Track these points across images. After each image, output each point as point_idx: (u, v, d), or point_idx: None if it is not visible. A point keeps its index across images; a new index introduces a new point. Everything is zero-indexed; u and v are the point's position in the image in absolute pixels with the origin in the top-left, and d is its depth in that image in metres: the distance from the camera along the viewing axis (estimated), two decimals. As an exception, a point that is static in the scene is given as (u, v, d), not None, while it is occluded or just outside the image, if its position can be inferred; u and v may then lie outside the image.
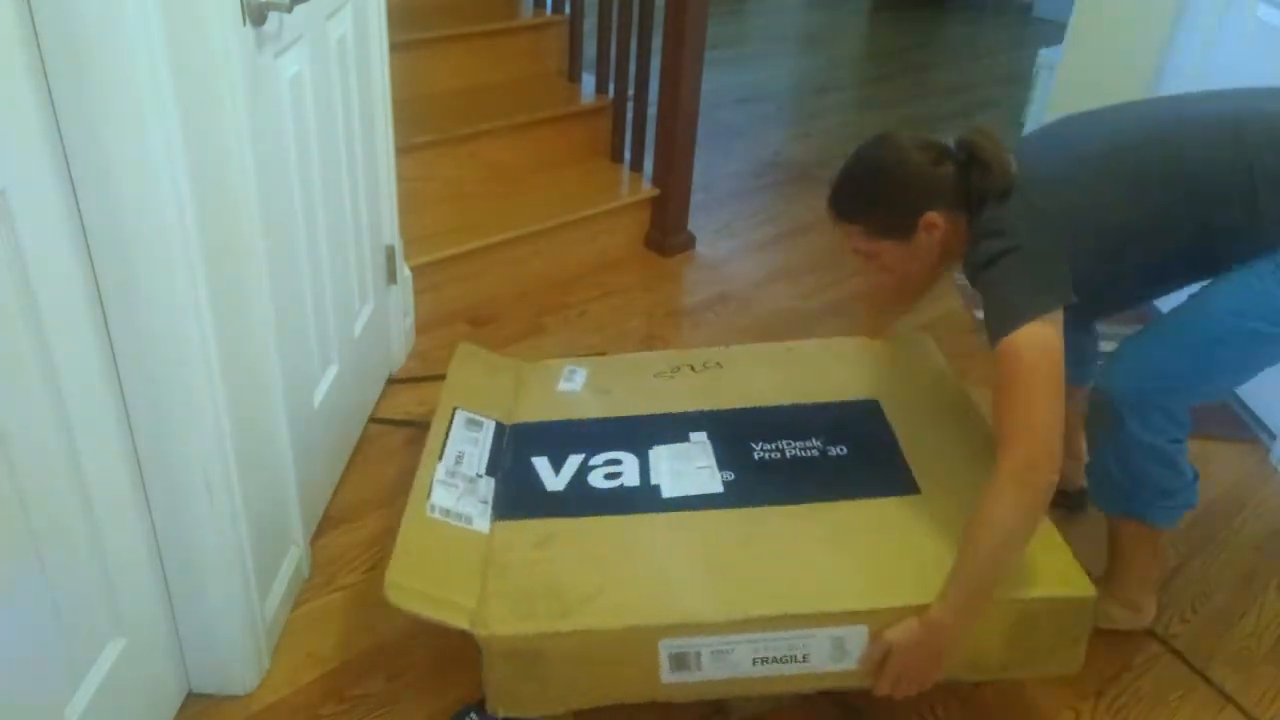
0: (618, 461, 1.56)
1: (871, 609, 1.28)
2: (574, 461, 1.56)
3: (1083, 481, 1.71)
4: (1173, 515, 1.55)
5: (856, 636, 1.29)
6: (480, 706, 1.40)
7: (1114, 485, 1.52)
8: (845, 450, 1.57)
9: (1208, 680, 1.57)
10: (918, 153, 1.41)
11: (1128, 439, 1.45)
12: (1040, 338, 1.28)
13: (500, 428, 1.65)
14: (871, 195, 1.44)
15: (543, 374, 1.83)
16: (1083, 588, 1.31)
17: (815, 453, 1.57)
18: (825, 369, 1.80)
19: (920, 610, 1.26)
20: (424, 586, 1.29)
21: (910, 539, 1.39)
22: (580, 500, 1.48)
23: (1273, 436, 2.15)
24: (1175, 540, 1.87)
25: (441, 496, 1.44)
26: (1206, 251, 1.39)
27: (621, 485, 1.51)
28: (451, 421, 1.61)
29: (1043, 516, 1.31)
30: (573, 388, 1.77)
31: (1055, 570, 1.33)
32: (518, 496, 1.50)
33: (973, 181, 1.38)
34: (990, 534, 1.25)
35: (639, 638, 1.26)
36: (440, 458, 1.52)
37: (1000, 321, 1.30)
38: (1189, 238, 1.38)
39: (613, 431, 1.64)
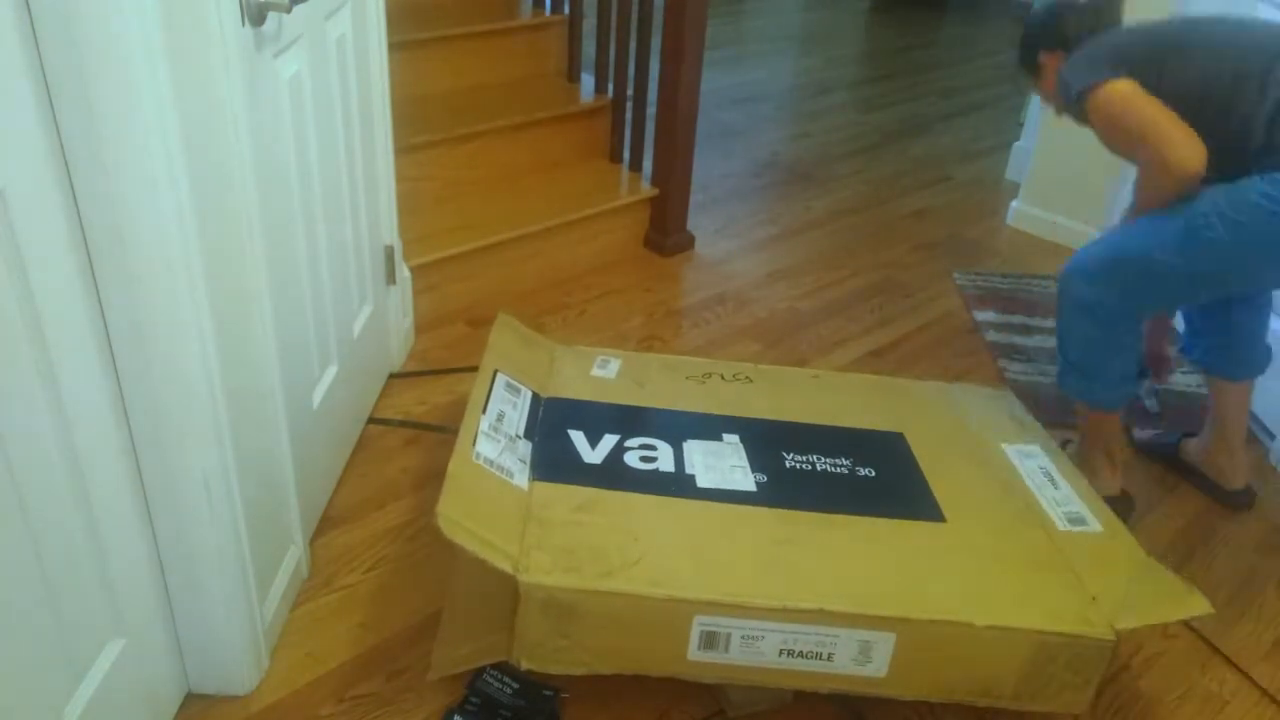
0: (652, 447, 1.59)
1: (904, 617, 1.30)
2: (610, 440, 1.60)
3: (1241, 482, 1.93)
4: (1085, 394, 1.80)
5: (883, 643, 1.30)
6: (463, 707, 1.40)
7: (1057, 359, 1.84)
8: (873, 472, 1.60)
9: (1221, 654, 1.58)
10: (1044, 12, 1.78)
11: (1059, 306, 1.78)
12: (1109, 90, 1.60)
13: (536, 398, 1.68)
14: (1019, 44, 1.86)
15: (576, 357, 1.87)
16: (1102, 631, 1.33)
17: (844, 470, 1.60)
18: (851, 398, 1.84)
19: (950, 625, 1.30)
20: (470, 524, 1.31)
21: (940, 559, 1.43)
22: (617, 475, 1.51)
23: (1272, 436, 2.15)
24: (1175, 540, 1.87)
25: (485, 446, 1.47)
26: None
27: (657, 469, 1.54)
28: (493, 382, 1.63)
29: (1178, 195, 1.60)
30: (606, 375, 1.81)
31: (1077, 610, 1.35)
32: (555, 462, 1.52)
33: (1070, 25, 1.73)
34: (1140, 195, 1.68)
35: (677, 610, 1.29)
36: (484, 411, 1.54)
37: (1074, 96, 1.66)
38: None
39: (647, 420, 1.68)
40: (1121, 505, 1.90)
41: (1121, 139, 1.63)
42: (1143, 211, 1.67)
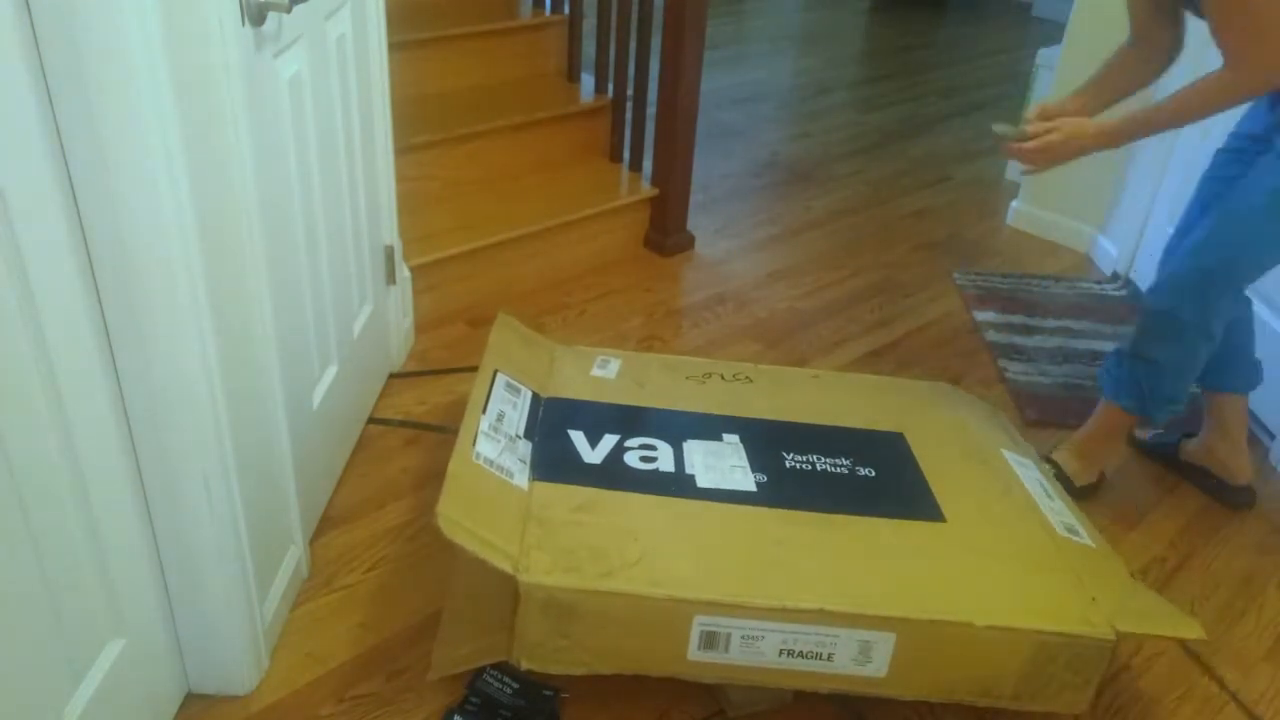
0: (652, 447, 1.60)
1: (904, 618, 1.30)
2: (610, 440, 1.60)
3: (1245, 478, 1.94)
4: (1140, 405, 1.81)
5: (883, 643, 1.30)
6: (463, 707, 1.40)
7: (1111, 369, 1.85)
8: (874, 472, 1.60)
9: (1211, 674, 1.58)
10: None
11: (1157, 325, 1.73)
12: None
13: (536, 398, 1.68)
14: None
15: (576, 357, 1.87)
16: (1103, 631, 1.33)
17: (844, 470, 1.60)
18: (850, 398, 1.84)
19: (950, 625, 1.30)
20: (470, 524, 1.31)
21: (940, 559, 1.43)
22: (617, 475, 1.51)
23: (1272, 436, 2.15)
24: (1176, 539, 1.87)
25: (485, 446, 1.47)
26: None
27: (657, 469, 1.54)
28: (493, 382, 1.63)
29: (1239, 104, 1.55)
30: (606, 374, 1.81)
31: (1077, 611, 1.36)
32: (555, 462, 1.52)
33: None
34: (1188, 92, 1.51)
35: (677, 610, 1.29)
36: (484, 412, 1.54)
37: None
38: None
39: (647, 420, 1.68)
40: (1097, 488, 1.97)
41: (1233, 9, 1.47)
42: (1180, 106, 1.54)
